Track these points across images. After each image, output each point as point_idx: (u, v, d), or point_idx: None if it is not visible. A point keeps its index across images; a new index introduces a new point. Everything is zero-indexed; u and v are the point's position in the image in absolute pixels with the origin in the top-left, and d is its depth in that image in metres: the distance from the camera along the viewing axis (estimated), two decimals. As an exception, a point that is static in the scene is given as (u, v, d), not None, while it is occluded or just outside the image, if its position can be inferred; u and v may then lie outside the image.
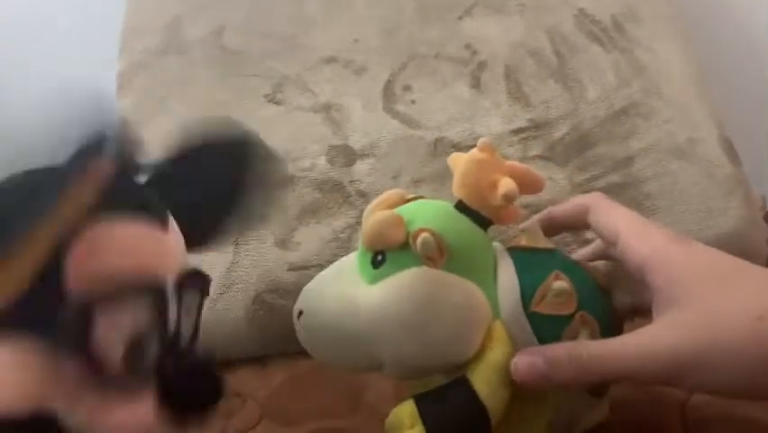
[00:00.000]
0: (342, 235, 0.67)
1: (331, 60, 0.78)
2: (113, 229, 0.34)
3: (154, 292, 0.34)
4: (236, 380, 0.63)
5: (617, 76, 0.73)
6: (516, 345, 0.44)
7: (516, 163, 0.47)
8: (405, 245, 0.44)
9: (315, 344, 0.47)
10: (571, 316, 0.44)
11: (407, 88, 0.75)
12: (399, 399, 0.53)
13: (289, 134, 0.73)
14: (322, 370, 0.47)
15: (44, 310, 0.32)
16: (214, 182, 0.43)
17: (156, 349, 0.34)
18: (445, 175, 0.69)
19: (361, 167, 0.70)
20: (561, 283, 0.44)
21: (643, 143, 0.69)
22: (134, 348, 0.33)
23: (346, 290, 0.45)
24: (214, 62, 0.80)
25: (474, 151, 0.46)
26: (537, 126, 0.71)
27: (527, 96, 0.73)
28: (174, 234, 0.38)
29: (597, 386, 0.46)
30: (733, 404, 0.48)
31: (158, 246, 0.36)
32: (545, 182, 0.49)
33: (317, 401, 0.57)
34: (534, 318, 0.44)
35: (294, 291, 0.67)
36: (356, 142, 0.72)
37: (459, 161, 0.47)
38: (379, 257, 0.45)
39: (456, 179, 0.47)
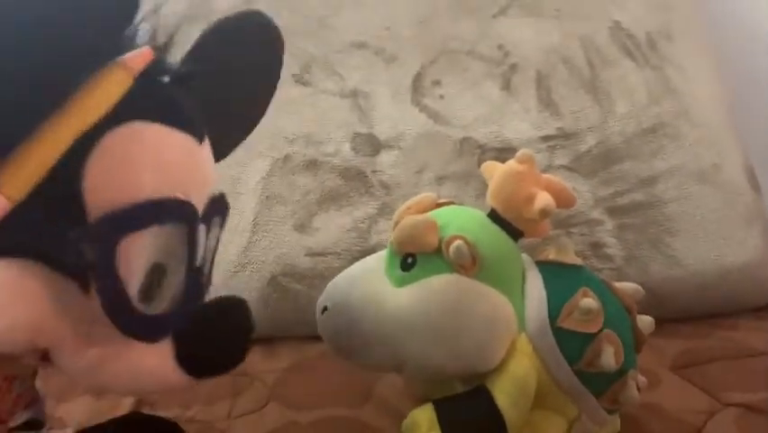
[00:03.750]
0: (361, 225, 0.67)
1: (361, 46, 0.77)
2: (142, 135, 0.28)
3: (185, 219, 0.29)
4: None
5: (648, 93, 0.73)
6: (539, 360, 0.44)
7: (551, 177, 0.47)
8: (436, 250, 0.44)
9: (338, 341, 0.46)
10: (597, 333, 0.44)
11: (437, 83, 0.74)
12: (410, 393, 0.54)
13: (314, 117, 0.72)
14: (331, 357, 0.47)
15: (56, 229, 0.25)
16: (243, 77, 0.38)
17: (181, 283, 0.29)
18: (469, 175, 0.69)
19: (385, 158, 0.70)
20: (589, 301, 0.44)
21: (668, 164, 0.69)
22: (156, 279, 0.28)
23: (373, 290, 0.45)
24: (241, 34, 0.79)
25: (512, 162, 0.46)
26: (565, 136, 0.70)
27: (557, 105, 0.72)
28: (208, 151, 0.32)
29: (611, 403, 0.46)
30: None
31: (192, 162, 0.30)
32: (577, 199, 0.49)
33: (326, 389, 0.56)
34: (559, 334, 0.44)
35: (310, 277, 0.68)
36: (382, 132, 0.71)
37: (495, 171, 0.47)
38: (409, 260, 0.45)
39: (492, 189, 0.47)
